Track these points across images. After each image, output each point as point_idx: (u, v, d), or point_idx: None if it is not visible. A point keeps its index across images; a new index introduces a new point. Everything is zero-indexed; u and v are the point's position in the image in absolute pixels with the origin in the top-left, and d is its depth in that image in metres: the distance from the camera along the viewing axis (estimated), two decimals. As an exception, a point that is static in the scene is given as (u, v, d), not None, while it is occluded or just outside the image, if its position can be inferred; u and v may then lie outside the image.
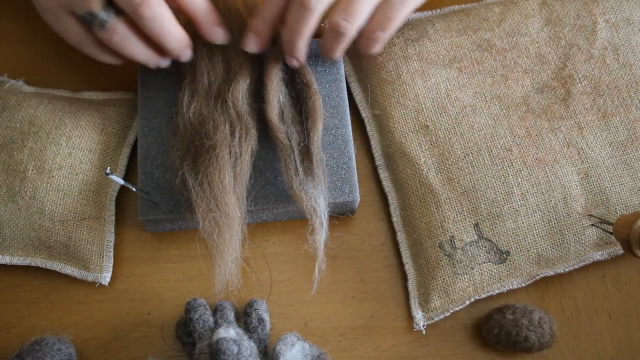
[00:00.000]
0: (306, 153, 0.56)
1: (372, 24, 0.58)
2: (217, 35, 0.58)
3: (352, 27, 0.56)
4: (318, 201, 0.55)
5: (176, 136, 0.58)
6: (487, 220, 0.59)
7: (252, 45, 0.59)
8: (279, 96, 0.59)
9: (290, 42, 0.57)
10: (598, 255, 0.59)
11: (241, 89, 0.58)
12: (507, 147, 0.61)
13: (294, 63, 0.59)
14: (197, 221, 0.54)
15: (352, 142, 0.61)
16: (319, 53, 0.62)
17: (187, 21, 0.58)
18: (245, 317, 0.56)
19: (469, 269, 0.58)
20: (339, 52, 0.59)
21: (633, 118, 0.62)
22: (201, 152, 0.55)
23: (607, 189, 0.60)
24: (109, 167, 0.50)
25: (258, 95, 0.60)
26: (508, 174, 0.60)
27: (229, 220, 0.54)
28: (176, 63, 0.60)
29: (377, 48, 0.60)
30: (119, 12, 0.56)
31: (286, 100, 0.59)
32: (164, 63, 0.60)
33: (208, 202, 0.54)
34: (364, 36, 0.59)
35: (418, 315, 0.59)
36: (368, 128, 0.65)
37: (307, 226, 0.55)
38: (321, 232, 0.54)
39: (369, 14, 0.57)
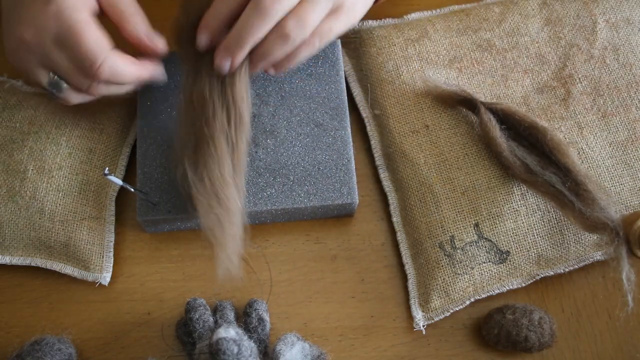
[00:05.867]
0: (574, 185, 0.56)
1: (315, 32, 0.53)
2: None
3: (301, 34, 0.51)
4: (610, 216, 0.55)
5: (180, 124, 0.56)
6: (487, 220, 0.59)
7: (202, 40, 0.54)
8: (514, 154, 0.58)
9: (235, 38, 0.52)
10: (598, 255, 0.59)
11: (239, 79, 0.56)
12: (507, 147, 0.61)
13: (226, 65, 0.53)
14: (198, 216, 0.54)
15: (352, 143, 0.61)
16: (319, 55, 0.63)
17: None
18: (245, 317, 0.56)
19: (469, 269, 0.58)
20: (281, 60, 0.54)
21: (633, 118, 0.62)
22: (201, 140, 0.55)
23: (607, 189, 0.60)
24: (107, 168, 0.50)
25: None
26: (508, 173, 0.60)
27: (230, 215, 0.54)
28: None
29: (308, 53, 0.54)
30: None
31: (517, 148, 0.59)
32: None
33: (209, 197, 0.54)
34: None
35: (418, 315, 0.59)
36: (368, 128, 0.65)
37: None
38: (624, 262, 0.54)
39: (319, 21, 0.52)
